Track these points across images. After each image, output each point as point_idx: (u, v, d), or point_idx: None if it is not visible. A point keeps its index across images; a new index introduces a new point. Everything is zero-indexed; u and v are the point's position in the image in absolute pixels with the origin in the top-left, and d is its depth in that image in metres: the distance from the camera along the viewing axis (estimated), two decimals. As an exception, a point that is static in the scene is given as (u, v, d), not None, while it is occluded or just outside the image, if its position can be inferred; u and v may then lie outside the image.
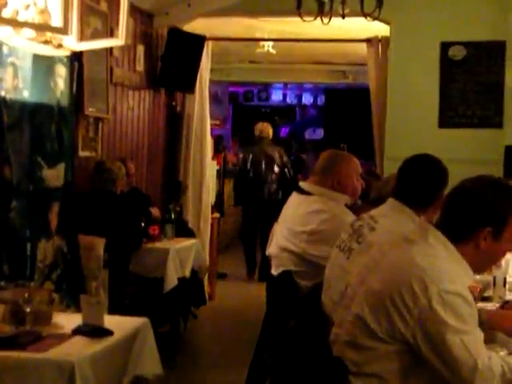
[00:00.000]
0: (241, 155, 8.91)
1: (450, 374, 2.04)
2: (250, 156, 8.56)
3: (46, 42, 3.74)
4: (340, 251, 2.99)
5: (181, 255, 5.43)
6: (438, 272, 2.08)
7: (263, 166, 8.51)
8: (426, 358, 2.06)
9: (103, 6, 5.28)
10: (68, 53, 4.15)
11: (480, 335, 2.07)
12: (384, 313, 2.10)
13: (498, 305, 3.08)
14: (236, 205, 9.06)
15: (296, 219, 3.58)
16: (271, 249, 3.76)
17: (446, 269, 2.11)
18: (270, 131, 8.75)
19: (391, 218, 2.90)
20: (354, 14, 4.67)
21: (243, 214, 9.04)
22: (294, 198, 3.73)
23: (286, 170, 8.59)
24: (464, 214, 2.19)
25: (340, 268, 2.95)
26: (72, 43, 3.90)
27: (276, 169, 8.54)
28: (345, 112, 12.43)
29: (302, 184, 3.71)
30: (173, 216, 5.87)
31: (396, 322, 2.07)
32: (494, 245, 2.18)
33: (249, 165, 8.52)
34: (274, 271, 3.65)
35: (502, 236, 2.17)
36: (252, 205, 8.61)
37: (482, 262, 2.25)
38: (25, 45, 3.82)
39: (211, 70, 7.21)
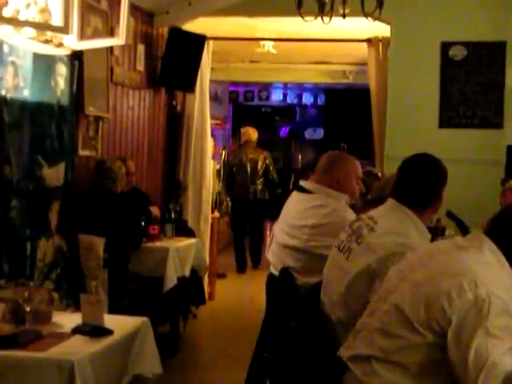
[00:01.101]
0: (226, 159, 9.58)
1: (459, 366, 2.03)
2: (235, 160, 9.13)
3: (47, 41, 3.75)
4: (339, 251, 2.99)
5: (180, 254, 5.43)
6: (490, 278, 2.10)
7: (248, 168, 9.00)
8: (448, 347, 2.06)
9: (104, 5, 5.28)
10: (68, 52, 4.15)
11: (508, 345, 2.05)
12: (425, 303, 2.11)
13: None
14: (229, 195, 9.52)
15: (297, 215, 3.60)
16: (272, 247, 3.76)
17: (497, 278, 2.13)
18: (254, 135, 9.23)
19: (390, 219, 2.90)
20: (354, 13, 4.67)
21: (231, 214, 9.43)
22: (295, 196, 3.75)
23: (269, 170, 9.06)
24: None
25: (339, 268, 2.95)
26: (72, 42, 3.90)
27: (261, 171, 9.03)
28: (345, 112, 12.43)
29: (302, 183, 3.74)
30: (173, 215, 5.87)
31: (435, 311, 2.08)
32: None
33: (234, 168, 9.07)
34: (274, 270, 3.66)
35: None
36: (239, 205, 9.10)
37: None
38: (25, 44, 3.82)
39: (211, 70, 7.21)
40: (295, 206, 3.68)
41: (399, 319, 2.17)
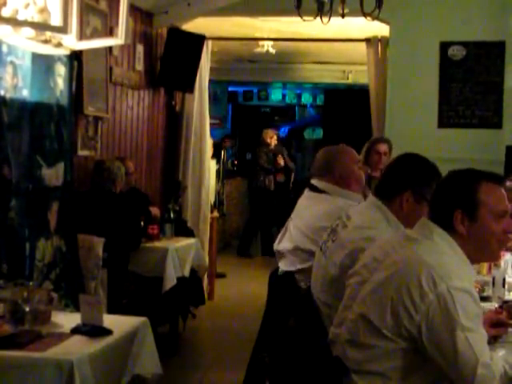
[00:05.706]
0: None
1: (451, 370, 2.03)
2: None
3: (46, 41, 3.74)
4: (321, 252, 3.01)
5: (180, 255, 5.43)
6: (446, 269, 2.08)
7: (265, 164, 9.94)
8: (429, 354, 2.05)
9: (103, 5, 5.28)
10: (67, 52, 4.15)
11: (484, 334, 2.07)
12: (389, 308, 2.09)
13: (496, 305, 3.08)
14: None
15: (315, 216, 3.51)
16: (283, 245, 3.69)
17: (453, 266, 2.11)
18: (269, 136, 10.03)
19: (364, 214, 2.88)
20: (353, 13, 4.67)
21: (250, 204, 10.30)
22: (308, 195, 3.69)
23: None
24: (436, 204, 2.24)
25: (321, 267, 2.97)
26: (71, 42, 3.90)
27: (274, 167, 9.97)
28: (344, 112, 12.40)
29: (315, 182, 3.66)
30: (172, 215, 5.86)
31: (402, 318, 2.07)
32: (475, 226, 2.17)
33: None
34: (285, 267, 3.60)
35: (479, 215, 2.17)
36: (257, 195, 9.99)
37: (478, 249, 2.23)
38: (24, 44, 3.81)
39: (210, 70, 7.21)
40: (311, 207, 3.60)
41: (367, 328, 2.15)
